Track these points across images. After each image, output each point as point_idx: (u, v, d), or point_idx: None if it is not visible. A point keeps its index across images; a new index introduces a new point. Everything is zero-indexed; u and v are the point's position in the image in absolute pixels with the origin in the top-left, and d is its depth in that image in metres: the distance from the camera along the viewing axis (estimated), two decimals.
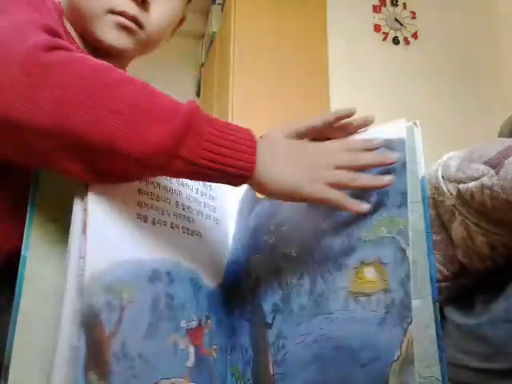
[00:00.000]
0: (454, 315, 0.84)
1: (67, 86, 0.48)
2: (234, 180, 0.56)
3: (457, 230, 0.81)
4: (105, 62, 0.54)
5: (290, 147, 0.59)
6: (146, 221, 0.58)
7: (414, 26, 2.61)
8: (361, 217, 0.59)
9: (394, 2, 2.63)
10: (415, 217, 0.56)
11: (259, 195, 0.74)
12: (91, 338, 0.48)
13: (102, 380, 0.48)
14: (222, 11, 2.80)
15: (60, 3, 0.73)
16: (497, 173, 0.73)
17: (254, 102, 2.22)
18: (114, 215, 0.55)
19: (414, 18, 2.62)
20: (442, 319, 0.83)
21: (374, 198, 0.59)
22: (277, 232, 0.69)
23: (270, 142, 0.58)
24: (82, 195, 0.53)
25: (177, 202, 0.64)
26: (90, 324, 0.49)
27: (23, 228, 0.54)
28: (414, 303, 0.52)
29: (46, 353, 0.49)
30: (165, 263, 0.59)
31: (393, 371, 0.51)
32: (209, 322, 0.64)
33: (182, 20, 0.83)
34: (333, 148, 0.60)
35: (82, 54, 0.55)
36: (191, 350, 0.59)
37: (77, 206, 0.53)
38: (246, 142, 0.55)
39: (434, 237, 0.84)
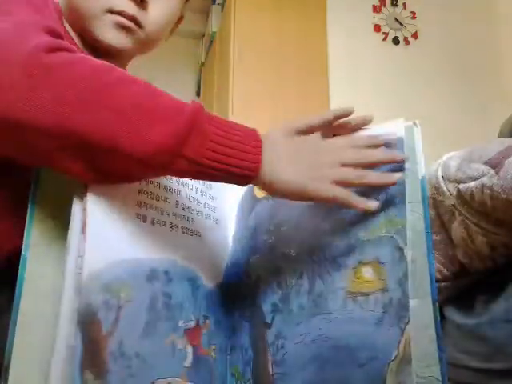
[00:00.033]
0: (454, 315, 0.84)
1: (68, 87, 0.48)
2: (239, 180, 0.56)
3: (457, 230, 0.81)
4: (106, 62, 0.54)
5: (289, 146, 0.58)
6: (145, 220, 0.58)
7: (413, 26, 2.61)
8: (360, 217, 0.59)
9: (394, 2, 2.63)
10: (415, 217, 0.55)
11: (259, 195, 0.74)
12: (88, 337, 0.48)
13: (99, 379, 0.48)
14: (221, 11, 2.80)
15: (58, 3, 0.73)
16: (497, 173, 0.73)
17: (253, 102, 2.21)
18: (113, 215, 0.55)
19: (413, 18, 2.62)
20: (441, 319, 0.83)
21: (376, 196, 0.59)
22: (276, 232, 0.69)
23: (270, 141, 0.58)
24: (82, 195, 0.53)
25: (177, 201, 0.64)
26: (88, 323, 0.49)
27: (23, 227, 0.54)
28: (414, 303, 0.52)
29: (46, 353, 0.49)
30: (163, 263, 0.59)
31: (390, 371, 0.51)
32: (207, 321, 0.64)
33: (180, 19, 0.83)
34: (337, 145, 0.60)
35: (83, 55, 0.55)
36: (189, 349, 0.59)
37: (76, 206, 0.53)
38: (250, 142, 0.55)
39: (434, 237, 0.84)
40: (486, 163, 0.76)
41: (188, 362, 0.59)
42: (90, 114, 0.48)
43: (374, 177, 0.58)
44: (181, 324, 0.59)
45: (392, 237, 0.56)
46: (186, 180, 0.66)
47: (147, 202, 0.59)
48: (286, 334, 0.62)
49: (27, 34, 0.52)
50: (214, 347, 0.64)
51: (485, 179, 0.74)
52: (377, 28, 2.57)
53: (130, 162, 0.51)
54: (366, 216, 0.58)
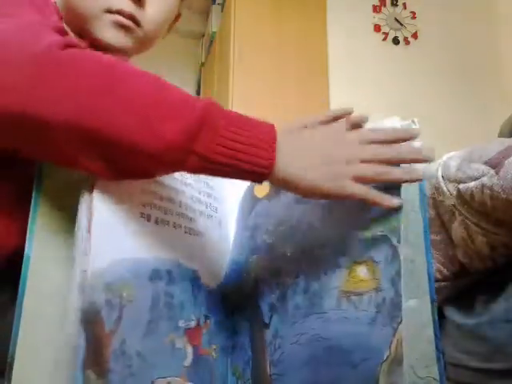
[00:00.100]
0: (454, 315, 0.84)
1: (80, 82, 0.49)
2: (253, 177, 0.54)
3: (457, 230, 0.81)
4: (116, 57, 0.54)
5: (304, 141, 0.56)
6: (149, 220, 0.58)
7: (413, 26, 2.61)
8: (355, 215, 0.58)
9: (394, 2, 2.63)
10: (413, 216, 0.55)
11: (259, 194, 0.74)
12: (91, 336, 0.48)
13: (101, 379, 0.48)
14: (221, 11, 2.80)
15: (56, 3, 0.73)
16: (497, 173, 0.73)
17: (253, 102, 2.21)
18: (118, 213, 0.55)
19: (413, 18, 2.62)
20: (442, 319, 0.83)
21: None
22: (275, 232, 0.69)
23: (286, 136, 0.56)
24: (88, 193, 0.53)
25: (180, 201, 0.64)
26: (91, 321, 0.49)
27: (25, 223, 0.54)
28: (412, 302, 0.51)
29: (50, 352, 0.49)
30: (166, 262, 0.59)
31: (382, 371, 0.50)
32: (208, 321, 0.64)
33: (177, 17, 0.83)
34: (352, 139, 0.56)
35: (93, 51, 0.55)
36: (189, 349, 0.59)
37: (83, 204, 0.53)
38: (265, 138, 0.53)
39: (434, 237, 0.84)
40: (486, 163, 0.75)
41: (188, 361, 0.59)
42: (102, 112, 0.49)
43: (398, 173, 0.55)
44: (181, 324, 0.59)
45: (386, 235, 0.55)
46: (189, 180, 0.66)
47: (151, 202, 0.59)
48: (283, 333, 0.62)
49: (39, 33, 0.52)
50: (214, 347, 0.64)
51: (485, 179, 0.74)
52: (377, 28, 2.57)
53: (143, 158, 0.50)
54: (361, 215, 0.58)
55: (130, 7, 0.70)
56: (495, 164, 0.74)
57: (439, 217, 0.84)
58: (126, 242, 0.55)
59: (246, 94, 2.23)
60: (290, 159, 0.54)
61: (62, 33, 0.56)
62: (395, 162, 0.56)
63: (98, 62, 0.51)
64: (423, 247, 0.54)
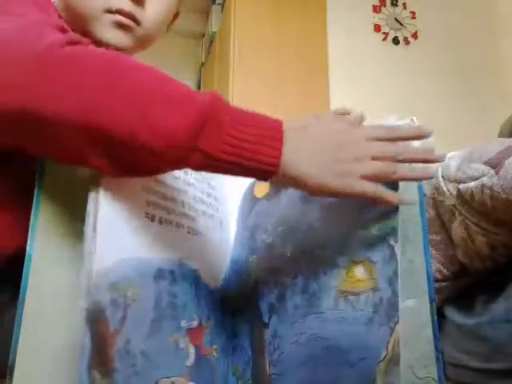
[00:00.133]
0: (454, 315, 0.84)
1: (83, 79, 0.49)
2: (258, 175, 0.53)
3: (457, 230, 0.81)
4: (118, 53, 0.54)
5: (311, 138, 0.54)
6: (153, 220, 0.58)
7: (414, 26, 2.61)
8: (353, 215, 0.58)
9: (394, 2, 2.63)
10: (412, 215, 0.55)
11: (259, 194, 0.74)
12: (96, 335, 0.48)
13: (106, 378, 0.48)
14: (221, 11, 2.80)
15: (54, 3, 0.73)
16: (497, 173, 0.73)
17: (253, 102, 2.21)
18: (123, 213, 0.55)
19: (413, 18, 2.62)
20: (442, 319, 0.83)
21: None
22: (274, 232, 0.69)
23: (293, 133, 0.54)
24: (95, 191, 0.52)
25: (183, 201, 0.64)
26: (96, 320, 0.49)
27: (28, 220, 0.54)
28: (410, 302, 0.51)
29: (51, 351, 0.49)
30: (169, 262, 0.59)
31: (379, 371, 0.50)
32: (209, 322, 0.64)
33: (176, 15, 0.83)
34: (359, 136, 0.55)
35: (95, 47, 0.55)
36: (191, 349, 0.59)
37: (90, 202, 0.52)
38: (271, 135, 0.51)
39: (434, 237, 0.84)
40: (486, 163, 0.75)
41: (190, 361, 0.59)
42: (104, 108, 0.48)
43: (407, 171, 0.54)
44: (183, 323, 0.59)
45: (384, 235, 0.55)
46: (192, 180, 0.66)
47: (155, 201, 0.59)
48: (282, 333, 0.62)
49: (41, 32, 0.52)
50: (216, 347, 0.64)
51: (485, 179, 0.74)
52: (377, 28, 2.57)
53: (146, 155, 0.50)
54: (359, 215, 0.58)
55: (129, 7, 0.71)
56: (495, 164, 0.74)
57: (439, 217, 0.84)
58: (131, 242, 0.55)
59: (246, 94, 2.23)
60: (298, 156, 0.52)
61: (64, 30, 0.56)
62: (407, 161, 0.54)
63: (100, 59, 0.51)
64: (422, 247, 0.54)
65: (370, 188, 0.52)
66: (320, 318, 0.58)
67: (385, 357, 0.50)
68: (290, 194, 0.68)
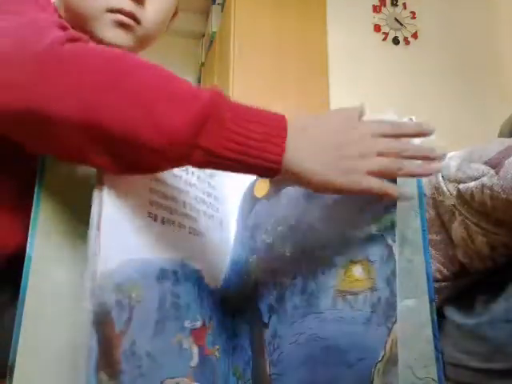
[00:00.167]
0: (454, 315, 0.84)
1: (83, 80, 0.49)
2: (261, 172, 0.53)
3: (457, 230, 0.81)
4: (119, 50, 0.54)
5: (314, 135, 0.54)
6: (156, 219, 0.58)
7: (413, 26, 2.61)
8: (351, 215, 0.58)
9: (394, 2, 2.63)
10: (411, 215, 0.55)
11: (258, 194, 0.74)
12: (102, 337, 0.48)
13: (113, 380, 0.48)
14: (221, 11, 2.80)
15: (54, 3, 0.73)
16: (497, 173, 0.73)
17: (253, 102, 2.20)
18: (127, 213, 0.54)
19: (413, 18, 2.62)
20: (442, 319, 0.83)
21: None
22: (273, 232, 0.69)
23: (297, 129, 0.53)
24: (99, 190, 0.52)
25: (184, 201, 0.64)
26: (102, 322, 0.48)
27: (29, 218, 0.54)
28: (410, 302, 0.51)
29: (51, 352, 0.49)
30: (171, 262, 0.59)
31: (377, 371, 0.50)
32: (211, 322, 0.64)
33: (174, 14, 0.83)
34: (364, 132, 0.54)
35: (96, 44, 0.55)
36: (195, 350, 0.59)
37: (95, 201, 0.52)
38: (274, 132, 0.51)
39: (434, 237, 0.84)
40: (486, 163, 0.75)
41: (194, 362, 0.58)
42: (105, 107, 0.48)
43: (414, 167, 0.54)
44: (187, 324, 0.59)
45: (382, 235, 0.55)
46: (193, 180, 0.66)
47: (158, 201, 0.59)
48: (282, 333, 0.62)
49: (41, 31, 0.52)
50: (217, 347, 0.64)
51: (485, 179, 0.74)
52: (377, 28, 2.57)
53: (148, 152, 0.50)
54: (358, 214, 0.58)
55: (130, 6, 0.71)
56: (495, 164, 0.74)
57: (439, 217, 0.84)
58: (134, 242, 0.55)
59: (246, 94, 2.23)
60: (302, 153, 0.52)
61: (64, 27, 0.56)
62: (411, 158, 0.54)
63: (101, 57, 0.51)
64: (421, 246, 0.54)
65: (377, 184, 0.52)
66: (319, 317, 0.58)
67: (383, 357, 0.50)
68: (290, 194, 0.68)
